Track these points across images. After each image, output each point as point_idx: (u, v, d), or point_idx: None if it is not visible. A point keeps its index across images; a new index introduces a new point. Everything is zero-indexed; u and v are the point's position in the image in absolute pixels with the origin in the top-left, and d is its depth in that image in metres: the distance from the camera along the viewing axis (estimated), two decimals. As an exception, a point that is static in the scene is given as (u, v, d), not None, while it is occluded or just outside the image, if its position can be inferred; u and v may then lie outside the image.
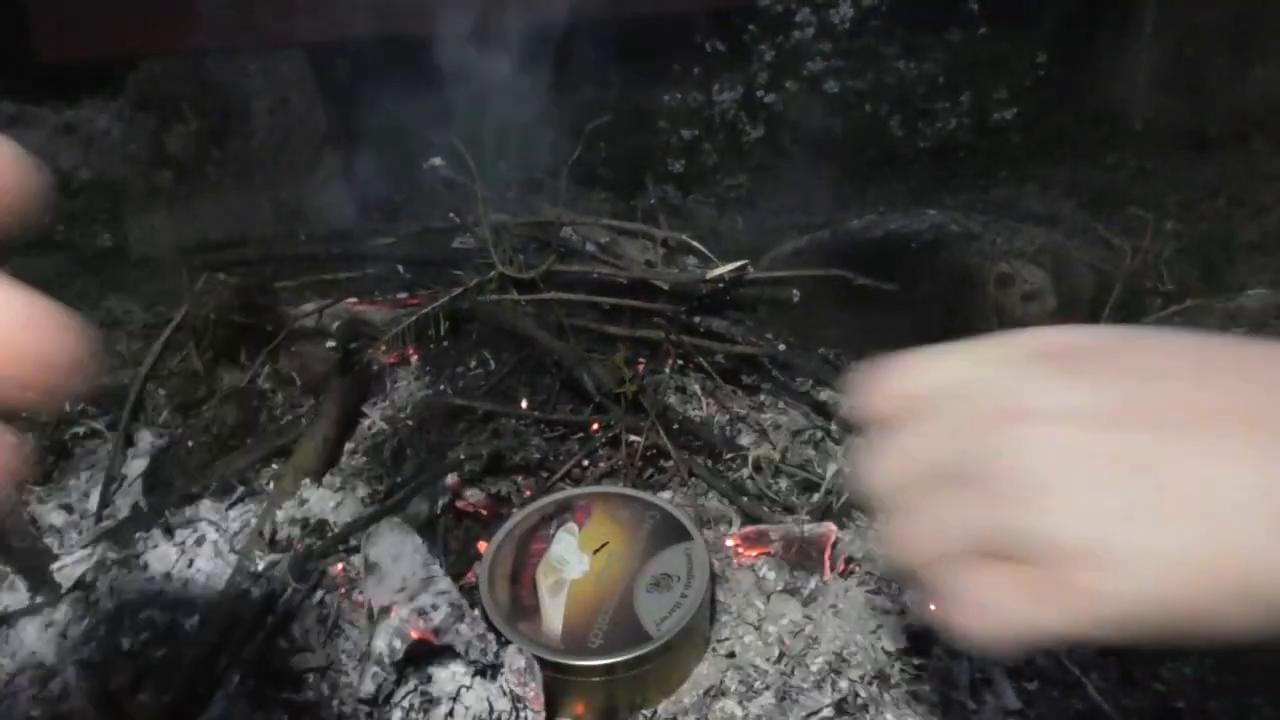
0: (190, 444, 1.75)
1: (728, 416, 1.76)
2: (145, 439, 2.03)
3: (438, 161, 2.09)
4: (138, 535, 1.59)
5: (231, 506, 1.62)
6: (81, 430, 2.09)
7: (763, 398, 1.85)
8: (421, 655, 1.24)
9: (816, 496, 1.60)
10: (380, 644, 1.24)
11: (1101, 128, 5.46)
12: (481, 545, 1.52)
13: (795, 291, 1.67)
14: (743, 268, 1.68)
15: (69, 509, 1.87)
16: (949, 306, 2.47)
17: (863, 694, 1.32)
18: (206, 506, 1.62)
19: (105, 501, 1.84)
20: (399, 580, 1.33)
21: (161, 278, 4.49)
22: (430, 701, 1.22)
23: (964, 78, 5.37)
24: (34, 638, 1.52)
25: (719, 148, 4.91)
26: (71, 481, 1.99)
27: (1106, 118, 5.50)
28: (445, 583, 1.33)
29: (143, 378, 2.15)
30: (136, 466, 1.95)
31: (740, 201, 4.59)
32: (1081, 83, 5.64)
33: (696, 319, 1.75)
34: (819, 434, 1.80)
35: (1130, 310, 2.56)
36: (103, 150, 7.04)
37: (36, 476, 1.97)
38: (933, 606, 0.63)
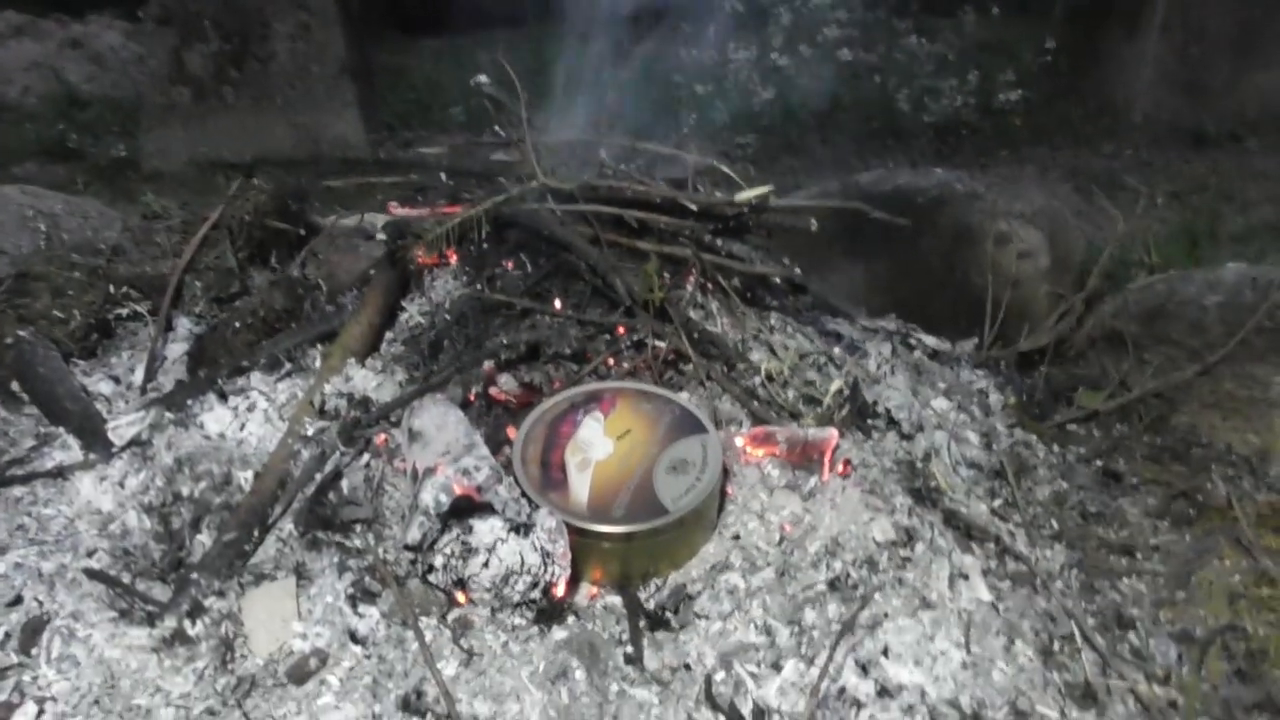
0: (237, 325, 1.86)
1: (741, 335, 1.89)
2: (183, 325, 2.15)
3: (483, 79, 2.20)
4: (191, 400, 1.71)
5: (280, 380, 1.74)
6: (125, 312, 2.21)
7: (773, 321, 1.98)
8: (464, 509, 1.37)
9: (820, 409, 1.74)
10: (427, 497, 1.37)
11: (1103, 117, 5.60)
12: (511, 431, 1.64)
13: (813, 220, 1.80)
14: (768, 193, 1.80)
15: (116, 380, 1.98)
16: (949, 261, 2.60)
17: (854, 575, 1.47)
18: (256, 378, 1.74)
19: (150, 376, 1.96)
20: (443, 445, 1.46)
21: (174, 188, 4.57)
22: (469, 550, 1.35)
23: (972, 58, 5.49)
24: (90, 489, 1.63)
25: (730, 105, 5.01)
26: (114, 359, 2.11)
27: (1108, 108, 5.64)
28: (485, 449, 1.46)
29: (181, 269, 2.25)
30: (176, 349, 2.07)
31: (747, 159, 4.71)
32: (1087, 73, 5.76)
33: (719, 241, 1.88)
34: (823, 358, 1.94)
35: (1116, 278, 2.71)
36: (112, 66, 7.00)
37: (82, 350, 2.09)
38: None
